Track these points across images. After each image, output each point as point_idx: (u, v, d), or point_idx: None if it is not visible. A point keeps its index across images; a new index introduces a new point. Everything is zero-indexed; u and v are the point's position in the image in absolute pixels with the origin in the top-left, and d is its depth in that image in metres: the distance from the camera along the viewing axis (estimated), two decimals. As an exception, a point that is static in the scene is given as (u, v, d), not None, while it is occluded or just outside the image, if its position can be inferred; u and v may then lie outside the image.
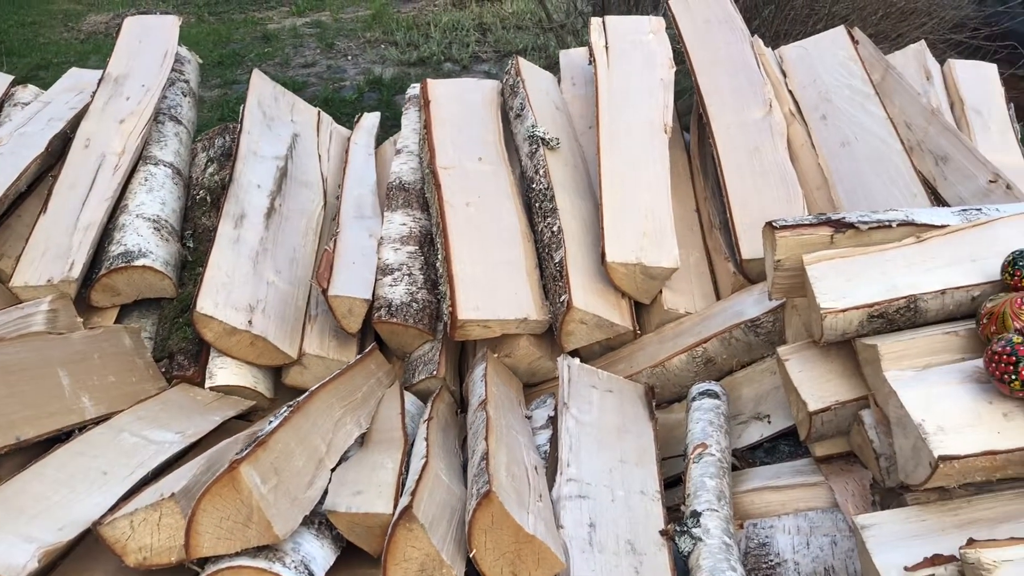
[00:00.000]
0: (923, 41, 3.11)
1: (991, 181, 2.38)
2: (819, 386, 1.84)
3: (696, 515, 1.72)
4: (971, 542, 1.33)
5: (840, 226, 1.92)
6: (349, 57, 6.19)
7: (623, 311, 2.41)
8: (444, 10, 7.14)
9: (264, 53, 6.15)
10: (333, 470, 1.80)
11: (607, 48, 2.87)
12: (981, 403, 1.51)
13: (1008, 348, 1.47)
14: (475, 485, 1.59)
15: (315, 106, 3.38)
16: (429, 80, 3.03)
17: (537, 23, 6.26)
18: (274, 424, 1.69)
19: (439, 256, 2.54)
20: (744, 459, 2.16)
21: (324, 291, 2.44)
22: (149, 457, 1.92)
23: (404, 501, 1.53)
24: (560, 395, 2.08)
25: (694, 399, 2.09)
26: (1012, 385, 1.46)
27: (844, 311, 1.74)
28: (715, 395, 2.08)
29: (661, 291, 2.45)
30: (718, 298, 2.47)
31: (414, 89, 3.25)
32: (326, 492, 1.71)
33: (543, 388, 2.46)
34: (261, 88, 3.10)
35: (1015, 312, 1.56)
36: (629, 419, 2.09)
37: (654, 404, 2.19)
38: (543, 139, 2.70)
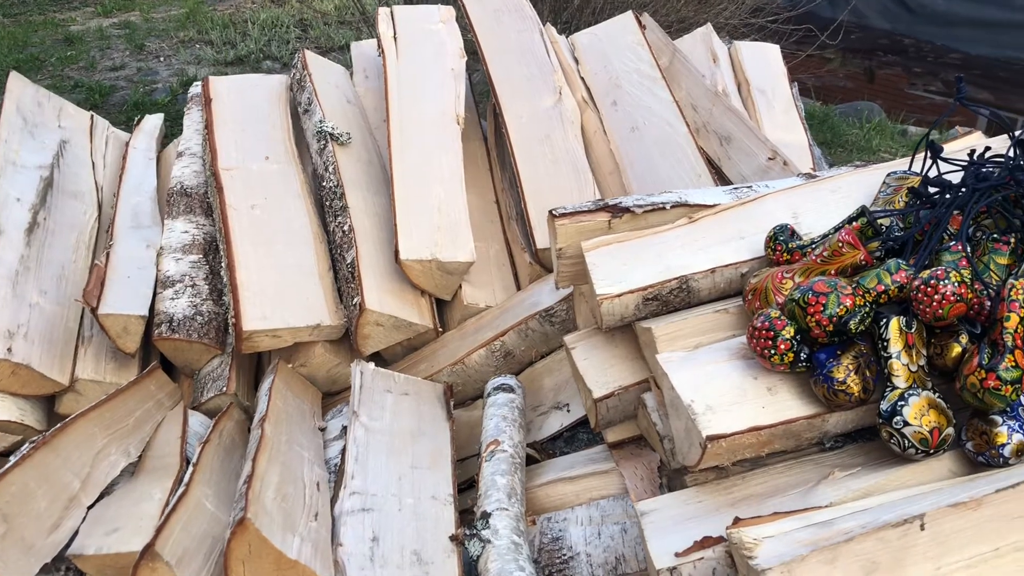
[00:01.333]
0: (709, 24, 3.19)
1: (770, 159, 2.45)
2: (603, 372, 1.82)
3: (486, 516, 1.66)
4: (737, 521, 1.32)
5: (617, 211, 1.91)
6: (161, 58, 5.82)
7: (422, 309, 2.34)
8: (262, 7, 6.84)
9: (67, 57, 5.69)
10: (91, 507, 1.63)
11: (396, 38, 2.78)
12: (747, 379, 1.52)
13: (767, 323, 1.48)
14: (233, 511, 1.47)
15: (125, 111, 3.12)
16: (211, 77, 2.85)
17: (360, 17, 6.09)
18: (8, 465, 1.51)
19: (223, 264, 2.38)
20: (545, 451, 2.13)
21: (94, 310, 2.24)
22: None
23: (151, 538, 1.39)
24: (351, 403, 1.98)
25: (489, 395, 2.04)
26: (772, 359, 1.47)
27: (620, 296, 1.72)
28: (510, 389, 2.03)
29: (461, 286, 2.39)
30: (519, 290, 2.44)
31: (197, 87, 3.05)
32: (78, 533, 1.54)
33: (346, 396, 2.35)
34: (20, 92, 2.83)
35: (776, 287, 1.58)
36: (426, 421, 2.01)
37: (452, 403, 2.12)
38: (332, 134, 2.58)
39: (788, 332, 1.46)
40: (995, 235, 1.54)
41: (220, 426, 2.01)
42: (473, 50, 2.88)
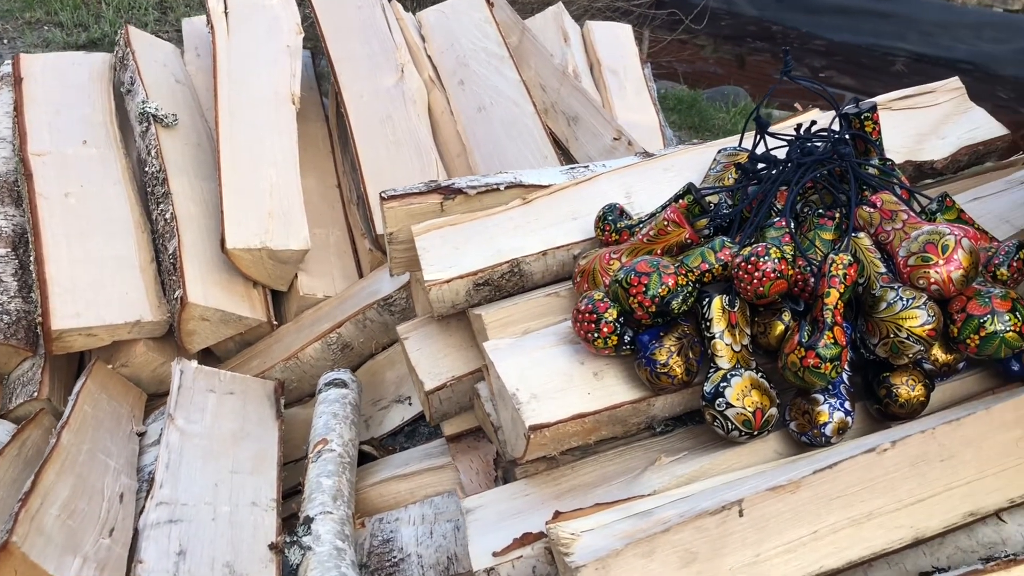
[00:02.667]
0: (561, 3, 3.13)
1: (615, 139, 2.41)
2: (436, 363, 1.73)
3: (308, 521, 1.55)
4: (557, 515, 1.25)
5: (449, 192, 1.82)
6: (5, 41, 5.38)
7: (254, 302, 2.19)
8: (119, -14, 6.42)
9: None
10: None
11: (227, 14, 2.61)
12: (574, 364, 1.45)
13: (590, 306, 1.41)
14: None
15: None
16: (22, 55, 2.61)
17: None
18: None
19: (32, 258, 2.17)
20: (384, 447, 2.03)
21: None
22: None
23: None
24: (168, 405, 1.83)
25: (320, 391, 1.92)
26: (596, 343, 1.41)
27: (449, 281, 1.63)
28: (342, 384, 1.92)
29: (297, 275, 2.26)
30: (361, 278, 2.32)
31: (8, 66, 2.79)
32: None
33: (175, 396, 2.18)
34: None
35: (604, 268, 1.52)
36: (251, 422, 1.88)
37: (282, 402, 1.99)
38: (155, 116, 2.39)
39: (611, 315, 1.40)
40: (821, 210, 1.52)
41: (23, 435, 1.83)
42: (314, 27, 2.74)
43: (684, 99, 5.65)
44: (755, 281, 1.35)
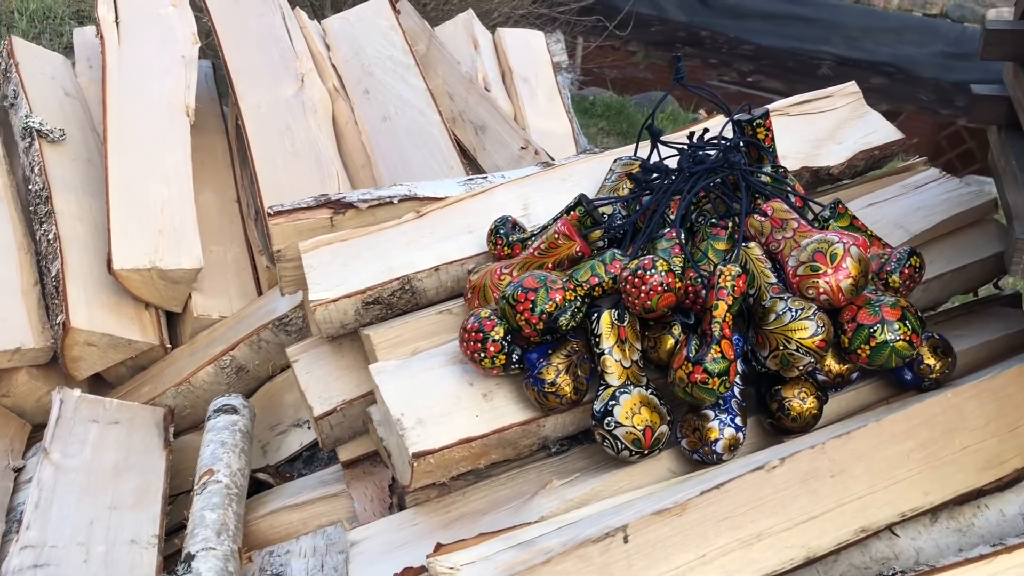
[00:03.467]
0: (471, 10, 3.08)
1: (522, 148, 2.36)
2: (327, 386, 1.66)
3: (190, 558, 1.46)
4: (438, 547, 1.19)
5: (340, 207, 1.75)
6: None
7: (145, 324, 2.09)
8: (33, -4, 6.18)
9: None
10: None
11: (118, 23, 2.50)
12: (463, 386, 1.39)
13: (476, 324, 1.36)
14: None
15: None
16: None
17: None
18: None
19: (-98, 284, 2.04)
20: (281, 474, 1.94)
21: None
22: None
23: None
24: (44, 438, 1.72)
25: (209, 418, 1.82)
26: (483, 363, 1.35)
27: (336, 300, 1.56)
28: (232, 410, 1.83)
29: (191, 295, 2.16)
30: (260, 296, 2.23)
31: None
32: None
33: (64, 425, 2.06)
34: None
35: (494, 283, 1.46)
36: (136, 452, 1.78)
37: (172, 430, 1.89)
38: (39, 130, 2.27)
39: (498, 333, 1.34)
40: (713, 220, 1.49)
41: None
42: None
43: (612, 105, 5.66)
44: (642, 295, 1.30)
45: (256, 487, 1.88)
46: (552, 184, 1.76)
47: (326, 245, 1.67)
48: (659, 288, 1.30)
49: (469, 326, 1.36)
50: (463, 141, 2.50)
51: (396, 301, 1.60)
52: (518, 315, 1.32)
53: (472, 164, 2.45)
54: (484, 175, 1.87)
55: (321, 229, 1.74)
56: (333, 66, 2.69)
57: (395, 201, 1.76)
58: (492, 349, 1.34)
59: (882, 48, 7.24)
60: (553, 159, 2.15)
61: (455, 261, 1.61)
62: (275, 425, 2.01)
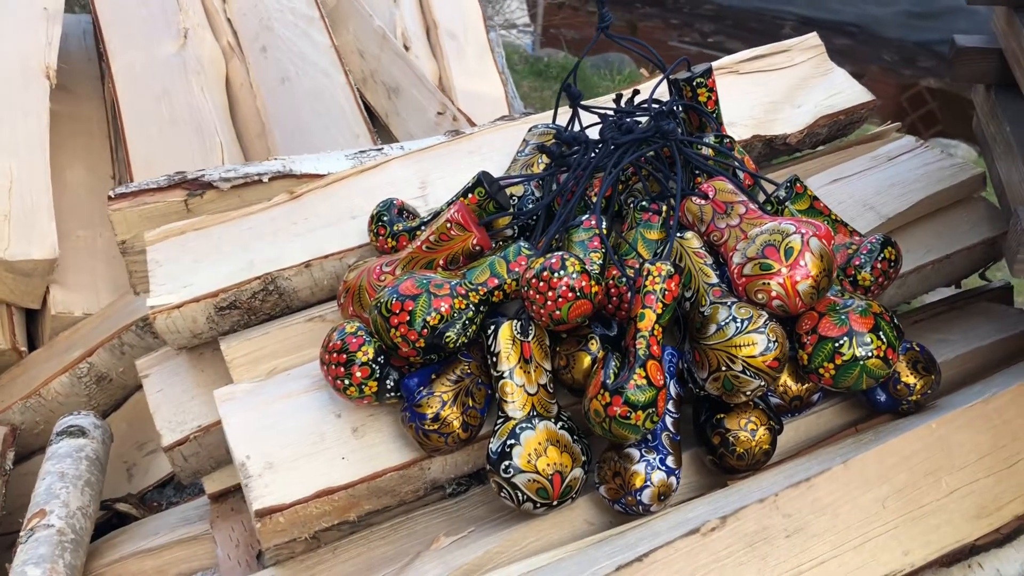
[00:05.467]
0: (390, -41, 2.74)
1: (439, 113, 2.06)
2: (181, 408, 1.35)
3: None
4: (279, 641, 0.91)
5: (196, 186, 1.44)
6: None
7: (-9, 324, 1.77)
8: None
9: None
10: None
11: (-34, -31, 2.14)
12: (328, 418, 1.11)
13: (339, 342, 1.07)
14: None
15: None
16: None
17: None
18: None
19: None
20: (148, 504, 1.65)
21: None
22: None
23: None
24: None
25: (51, 443, 1.52)
26: (348, 392, 1.06)
27: (180, 306, 1.26)
28: (80, 432, 1.52)
29: (49, 289, 1.84)
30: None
31: None
32: None
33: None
34: None
35: (373, 284, 1.17)
36: (-40, 486, 1.47)
37: (12, 455, 1.59)
38: None
39: (366, 353, 1.06)
40: (644, 203, 1.20)
41: None
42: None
43: (568, 67, 5.35)
44: (549, 302, 1.02)
45: (117, 521, 1.60)
46: (458, 157, 1.47)
47: (177, 235, 1.37)
48: (569, 294, 1.01)
49: (331, 344, 1.07)
50: (374, 105, 2.19)
51: (259, 305, 1.30)
52: (392, 330, 1.03)
53: (383, 132, 2.15)
54: (380, 147, 1.56)
55: (174, 215, 1.43)
56: (228, 20, 2.35)
57: (265, 179, 1.46)
58: (359, 374, 1.05)
59: (846, 8, 7.01)
60: (475, 125, 1.85)
61: (332, 254, 1.31)
62: (144, 444, 1.71)
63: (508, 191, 1.27)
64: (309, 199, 1.40)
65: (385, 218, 1.26)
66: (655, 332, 1.02)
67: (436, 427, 1.03)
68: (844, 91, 1.49)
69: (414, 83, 2.14)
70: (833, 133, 1.51)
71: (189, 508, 1.49)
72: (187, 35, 2.15)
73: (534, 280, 1.03)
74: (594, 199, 1.21)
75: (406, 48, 2.42)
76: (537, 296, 1.02)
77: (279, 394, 1.14)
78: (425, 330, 1.02)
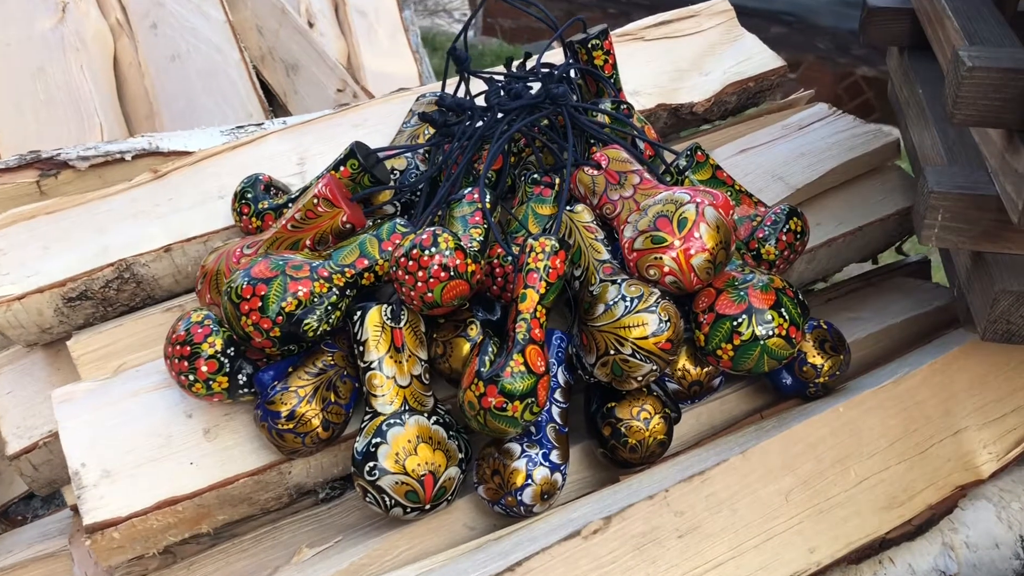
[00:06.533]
0: (297, -69, 2.60)
1: (339, 90, 1.94)
2: (32, 411, 1.21)
3: None
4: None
5: (51, 166, 1.30)
6: None
7: None
8: None
9: None
10: None
11: None
12: (178, 418, 0.99)
13: (184, 333, 0.94)
14: None
15: None
16: None
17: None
18: None
19: None
20: (11, 517, 1.51)
21: None
22: None
23: None
24: None
25: None
26: (195, 389, 0.94)
27: (23, 297, 1.13)
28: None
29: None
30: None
31: None
32: None
33: None
34: None
35: (231, 268, 1.05)
36: None
37: None
38: None
39: (213, 345, 0.94)
40: (536, 176, 1.10)
41: None
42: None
43: (503, 55, 5.25)
44: (420, 283, 0.91)
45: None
46: (341, 130, 1.35)
47: (26, 220, 1.22)
48: (442, 275, 0.91)
49: (174, 335, 0.95)
50: (272, 83, 2.06)
51: (115, 295, 1.17)
52: (243, 317, 0.91)
53: (281, 111, 2.01)
54: (260, 122, 1.44)
55: (27, 197, 1.30)
56: (116, -5, 2.19)
57: (128, 158, 1.33)
58: (206, 369, 0.93)
59: (780, -5, 7.01)
60: (345, 102, 1.73)
61: (195, 238, 1.19)
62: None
63: (389, 164, 1.16)
64: (174, 178, 1.27)
65: (249, 195, 1.14)
66: (538, 314, 0.92)
67: (292, 426, 0.91)
68: (754, 57, 1.41)
69: (314, 60, 2.01)
70: (743, 102, 1.42)
71: (51, 522, 1.35)
72: (65, 9, 1.99)
73: (403, 259, 0.92)
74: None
75: (310, 25, 2.29)
76: (407, 277, 0.91)
77: (125, 392, 1.01)
78: (280, 317, 0.91)
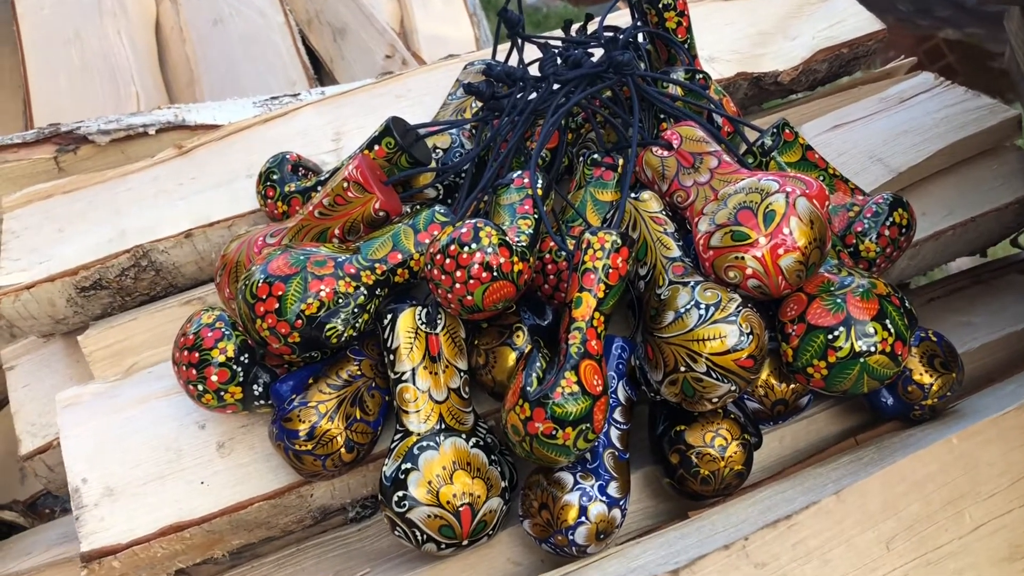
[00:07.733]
0: None
1: (387, 56, 1.81)
2: (49, 408, 1.13)
3: None
4: None
5: (69, 141, 1.21)
6: None
7: None
8: None
9: None
10: None
11: None
12: (189, 429, 0.88)
13: (193, 337, 0.83)
14: None
15: None
16: None
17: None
18: None
19: None
20: (38, 511, 1.43)
21: None
22: None
23: None
24: None
25: (-86, 443, 1.31)
26: (204, 400, 0.84)
27: (32, 286, 1.03)
28: (-53, 431, 1.31)
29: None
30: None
31: None
32: None
33: None
34: None
35: (252, 260, 0.93)
36: None
37: None
38: None
39: (223, 352, 0.83)
40: (596, 156, 0.96)
41: None
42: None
43: (568, 18, 5.06)
44: (458, 285, 0.78)
45: (7, 530, 1.39)
46: (383, 102, 1.23)
47: (41, 200, 1.13)
48: (484, 273, 0.78)
49: (183, 339, 0.84)
50: (318, 49, 1.94)
51: (132, 284, 1.07)
52: (259, 320, 0.79)
53: (327, 78, 1.90)
54: (296, 93, 1.32)
55: (44, 175, 1.21)
56: (156, -45, 2.09)
57: (152, 131, 1.22)
58: (216, 378, 0.82)
59: (859, -45, 6.67)
60: (392, 70, 1.60)
61: (219, 222, 1.08)
62: (36, 440, 1.49)
63: (431, 142, 1.03)
64: (200, 154, 1.17)
65: (275, 176, 1.03)
66: (595, 322, 0.78)
67: (311, 447, 0.80)
68: (848, 19, 1.24)
69: (362, 23, 1.89)
70: (835, 71, 1.25)
71: (71, 521, 1.28)
72: (103, -30, 1.89)
73: (439, 256, 0.79)
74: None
75: (360, -14, 2.16)
76: (443, 277, 0.79)
77: (135, 397, 0.91)
78: (300, 321, 0.79)
